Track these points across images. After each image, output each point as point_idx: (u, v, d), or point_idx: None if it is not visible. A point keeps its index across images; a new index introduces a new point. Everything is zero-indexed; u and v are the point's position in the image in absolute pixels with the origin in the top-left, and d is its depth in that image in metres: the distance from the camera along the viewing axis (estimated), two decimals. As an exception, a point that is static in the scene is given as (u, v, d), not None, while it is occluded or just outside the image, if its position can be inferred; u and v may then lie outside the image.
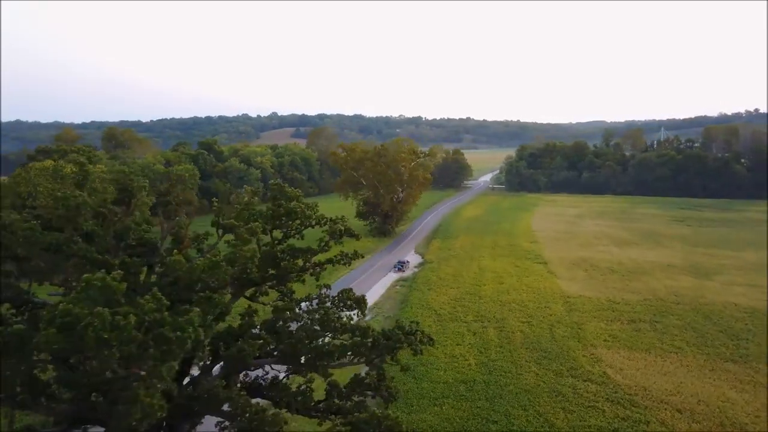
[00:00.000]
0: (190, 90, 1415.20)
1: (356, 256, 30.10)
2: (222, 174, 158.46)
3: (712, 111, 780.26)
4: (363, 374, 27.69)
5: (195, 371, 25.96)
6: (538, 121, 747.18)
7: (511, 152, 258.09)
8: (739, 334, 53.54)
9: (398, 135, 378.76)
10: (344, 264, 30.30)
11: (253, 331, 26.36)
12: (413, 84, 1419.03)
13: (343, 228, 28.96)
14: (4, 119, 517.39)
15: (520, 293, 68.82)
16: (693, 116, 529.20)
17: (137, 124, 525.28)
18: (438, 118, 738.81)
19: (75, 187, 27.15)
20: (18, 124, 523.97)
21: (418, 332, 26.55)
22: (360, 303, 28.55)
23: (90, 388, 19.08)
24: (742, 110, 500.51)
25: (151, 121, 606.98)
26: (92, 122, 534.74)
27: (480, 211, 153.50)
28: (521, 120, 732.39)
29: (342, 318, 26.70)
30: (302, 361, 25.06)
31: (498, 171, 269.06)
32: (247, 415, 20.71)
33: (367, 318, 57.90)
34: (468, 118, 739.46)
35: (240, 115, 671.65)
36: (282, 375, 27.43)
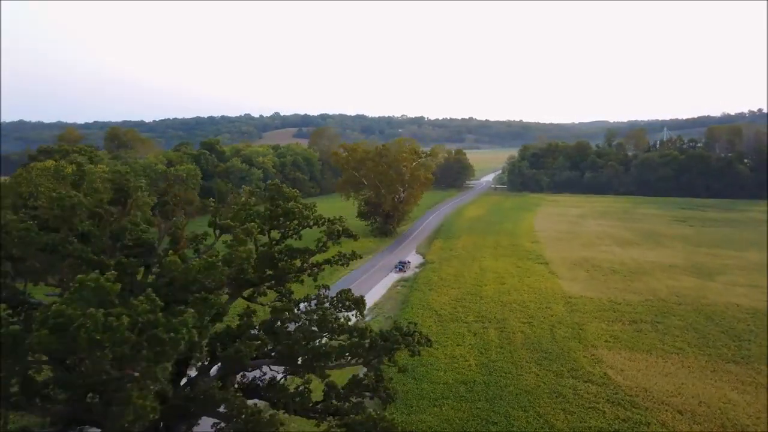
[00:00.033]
0: (193, 90, 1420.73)
1: (354, 256, 29.97)
2: (224, 174, 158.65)
3: (716, 111, 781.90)
4: (361, 375, 27.59)
5: (193, 372, 25.92)
6: (541, 121, 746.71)
7: (514, 152, 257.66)
8: (741, 335, 53.26)
9: (401, 135, 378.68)
10: (342, 264, 30.16)
11: (252, 331, 26.30)
12: (416, 84, 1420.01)
13: (341, 228, 28.83)
14: (8, 119, 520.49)
15: (522, 294, 68.65)
16: (696, 116, 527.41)
17: (140, 124, 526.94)
18: (440, 118, 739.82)
19: (72, 187, 27.06)
20: (21, 125, 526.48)
21: (416, 333, 26.42)
22: (359, 304, 28.42)
23: (86, 389, 19.05)
24: (745, 110, 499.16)
25: (154, 121, 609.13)
26: (95, 122, 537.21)
27: (482, 211, 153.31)
28: (524, 120, 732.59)
29: (340, 319, 26.59)
30: (299, 362, 24.93)
31: (500, 171, 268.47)
32: (243, 416, 20.63)
33: (368, 318, 57.84)
34: (470, 118, 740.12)
35: (243, 115, 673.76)
36: (280, 376, 27.37)
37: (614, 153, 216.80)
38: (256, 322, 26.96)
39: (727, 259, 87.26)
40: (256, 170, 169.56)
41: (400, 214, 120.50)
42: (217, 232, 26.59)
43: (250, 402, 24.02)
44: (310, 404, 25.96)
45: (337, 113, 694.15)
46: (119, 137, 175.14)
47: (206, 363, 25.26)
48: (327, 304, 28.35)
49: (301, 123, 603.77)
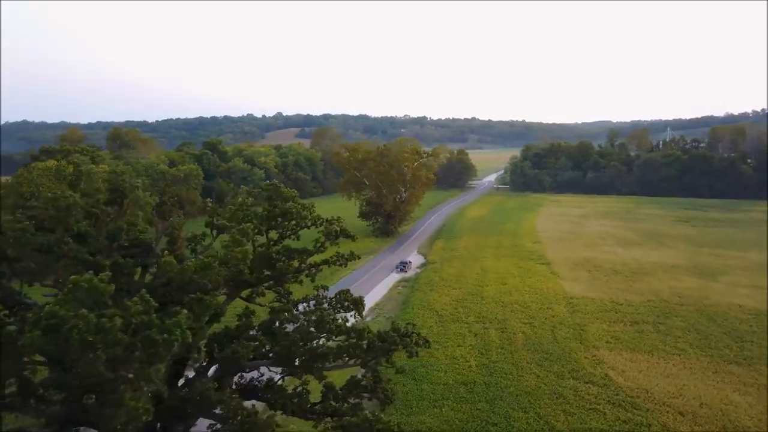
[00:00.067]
0: (196, 90, 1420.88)
1: (352, 257, 29.85)
2: (226, 174, 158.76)
3: (719, 111, 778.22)
4: (359, 376, 27.50)
5: (191, 373, 25.84)
6: (543, 121, 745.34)
7: (516, 152, 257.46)
8: (743, 336, 52.93)
9: (403, 135, 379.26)
10: (340, 265, 30.06)
11: (250, 332, 26.21)
12: (418, 84, 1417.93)
13: (338, 229, 28.75)
14: (12, 119, 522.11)
15: (523, 294, 68.42)
16: (699, 116, 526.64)
17: (143, 125, 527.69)
18: (443, 118, 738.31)
19: (69, 187, 27.01)
20: (24, 125, 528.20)
21: (414, 334, 26.31)
22: (357, 304, 28.33)
23: (81, 390, 18.96)
24: (748, 110, 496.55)
25: (157, 121, 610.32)
26: (98, 122, 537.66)
27: (484, 212, 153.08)
28: (526, 120, 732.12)
29: (338, 320, 26.49)
30: (297, 363, 24.85)
31: (503, 171, 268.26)
32: (239, 417, 20.55)
33: (368, 319, 57.76)
34: (473, 118, 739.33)
35: (245, 115, 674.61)
36: (277, 377, 27.28)
37: (617, 153, 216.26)
38: (256, 323, 26.89)
39: (730, 260, 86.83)
40: (258, 170, 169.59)
41: (401, 214, 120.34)
42: (214, 232, 26.51)
43: (247, 403, 23.99)
44: (308, 405, 25.85)
45: (340, 113, 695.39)
46: (121, 137, 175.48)
47: (204, 364, 25.19)
48: (326, 305, 28.28)
49: (304, 123, 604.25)
